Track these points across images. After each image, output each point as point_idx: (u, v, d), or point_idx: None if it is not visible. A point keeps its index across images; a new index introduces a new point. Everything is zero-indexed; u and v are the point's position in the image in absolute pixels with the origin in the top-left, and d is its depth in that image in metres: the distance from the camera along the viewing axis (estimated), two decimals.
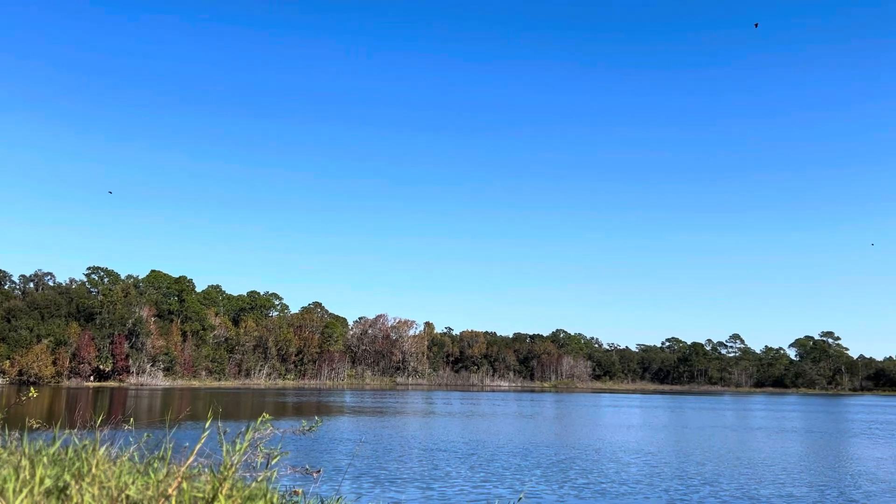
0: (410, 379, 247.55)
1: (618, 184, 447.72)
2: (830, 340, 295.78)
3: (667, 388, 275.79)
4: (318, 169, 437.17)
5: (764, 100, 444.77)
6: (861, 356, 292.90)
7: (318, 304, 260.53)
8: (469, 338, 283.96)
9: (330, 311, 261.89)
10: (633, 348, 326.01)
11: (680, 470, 37.12)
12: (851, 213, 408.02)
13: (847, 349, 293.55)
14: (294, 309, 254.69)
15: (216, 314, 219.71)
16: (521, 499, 21.84)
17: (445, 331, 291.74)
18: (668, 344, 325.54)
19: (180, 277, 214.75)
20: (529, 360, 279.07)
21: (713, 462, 41.02)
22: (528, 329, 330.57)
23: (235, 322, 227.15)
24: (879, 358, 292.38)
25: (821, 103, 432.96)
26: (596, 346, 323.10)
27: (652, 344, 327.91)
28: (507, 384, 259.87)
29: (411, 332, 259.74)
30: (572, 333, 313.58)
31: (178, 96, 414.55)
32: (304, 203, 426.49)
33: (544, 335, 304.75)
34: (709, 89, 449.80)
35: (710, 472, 36.66)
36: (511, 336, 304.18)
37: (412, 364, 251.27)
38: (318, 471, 9.21)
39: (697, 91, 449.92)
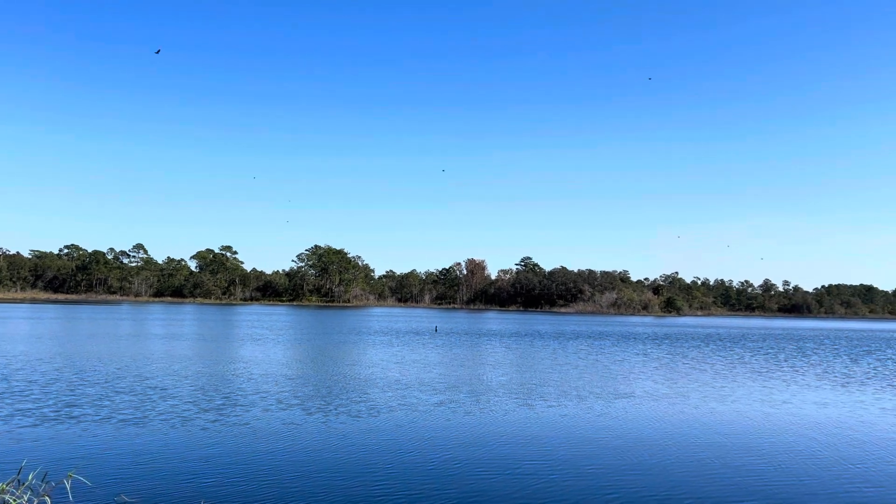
0: None
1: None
2: (228, 254, 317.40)
3: (62, 296, 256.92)
4: None
5: None
6: (254, 269, 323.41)
7: None
8: None
9: None
10: (27, 254, 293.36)
11: (130, 384, 33.67)
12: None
13: (242, 262, 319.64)
14: None
15: None
16: None
17: None
18: (66, 251, 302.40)
19: None
20: None
21: (166, 374, 38.60)
22: None
23: None
24: (269, 272, 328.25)
25: None
26: None
27: (48, 250, 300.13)
28: None
29: None
30: None
31: None
32: None
33: None
34: None
35: (169, 384, 34.24)
36: None
37: None
38: None
39: None
